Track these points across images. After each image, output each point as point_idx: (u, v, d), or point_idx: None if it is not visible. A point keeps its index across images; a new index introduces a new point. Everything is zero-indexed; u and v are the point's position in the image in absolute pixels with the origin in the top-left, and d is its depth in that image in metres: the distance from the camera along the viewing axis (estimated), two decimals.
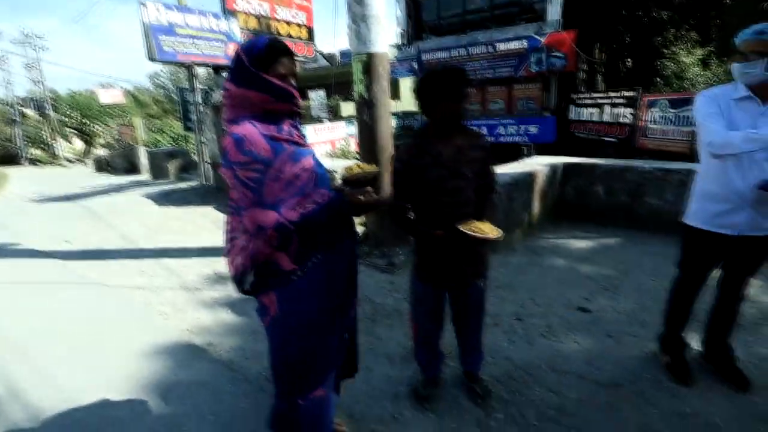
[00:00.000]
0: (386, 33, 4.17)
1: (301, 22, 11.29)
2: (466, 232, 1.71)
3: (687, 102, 9.14)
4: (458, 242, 1.79)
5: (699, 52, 12.45)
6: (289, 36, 11.00)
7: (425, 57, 14.64)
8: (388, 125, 4.36)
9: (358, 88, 4.24)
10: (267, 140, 1.43)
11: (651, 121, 10.00)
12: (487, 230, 1.74)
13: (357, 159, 7.96)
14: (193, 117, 10.42)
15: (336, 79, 15.74)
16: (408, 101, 20.01)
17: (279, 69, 1.46)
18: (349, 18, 4.06)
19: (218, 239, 5.71)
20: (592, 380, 2.48)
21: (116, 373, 2.79)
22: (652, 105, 10.05)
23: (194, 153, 12.56)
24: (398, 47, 16.11)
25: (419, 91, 1.86)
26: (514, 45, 12.93)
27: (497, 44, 13.23)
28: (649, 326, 2.96)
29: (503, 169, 4.90)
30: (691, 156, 8.57)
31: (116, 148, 21.11)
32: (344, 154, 11.33)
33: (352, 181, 1.63)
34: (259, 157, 1.40)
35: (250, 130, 1.42)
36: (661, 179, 4.77)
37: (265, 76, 1.44)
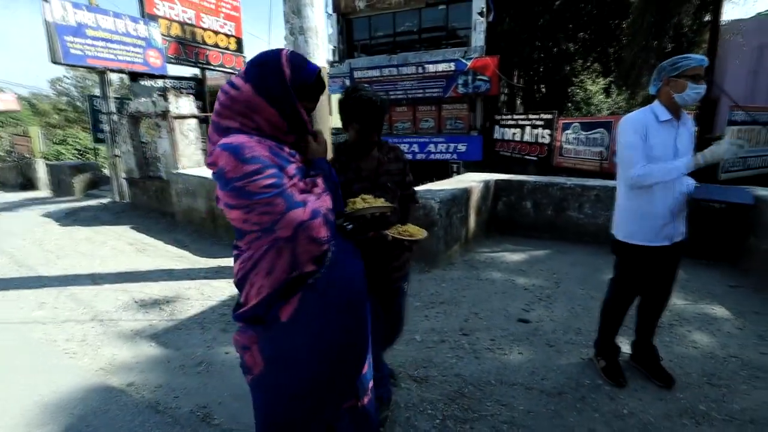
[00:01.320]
0: (324, 46, 4.11)
1: (229, 32, 10.90)
2: (396, 236, 1.84)
3: (595, 125, 10.12)
4: (387, 247, 1.91)
5: (602, 82, 13.94)
6: (216, 46, 10.55)
7: (357, 74, 14.81)
8: (328, 141, 4.27)
9: None
10: (267, 149, 1.23)
11: (566, 142, 10.92)
12: (415, 232, 1.89)
13: None
14: (106, 127, 9.51)
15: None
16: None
17: (310, 103, 1.34)
18: (286, 30, 3.94)
19: (139, 263, 5.19)
20: (538, 390, 2.54)
21: (12, 430, 2.34)
22: (566, 127, 10.99)
23: (106, 167, 11.43)
24: (331, 64, 16.16)
25: (339, 110, 1.94)
26: (442, 67, 13.53)
27: (427, 65, 13.76)
28: (584, 333, 3.13)
29: (442, 186, 5.02)
30: (602, 173, 9.47)
31: (8, 160, 18.62)
32: None
33: (356, 218, 1.64)
34: (267, 161, 1.20)
35: (243, 138, 1.21)
36: (580, 194, 5.17)
37: (298, 104, 1.28)
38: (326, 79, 4.11)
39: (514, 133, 12.66)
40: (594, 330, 2.78)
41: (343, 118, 1.91)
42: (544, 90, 16.01)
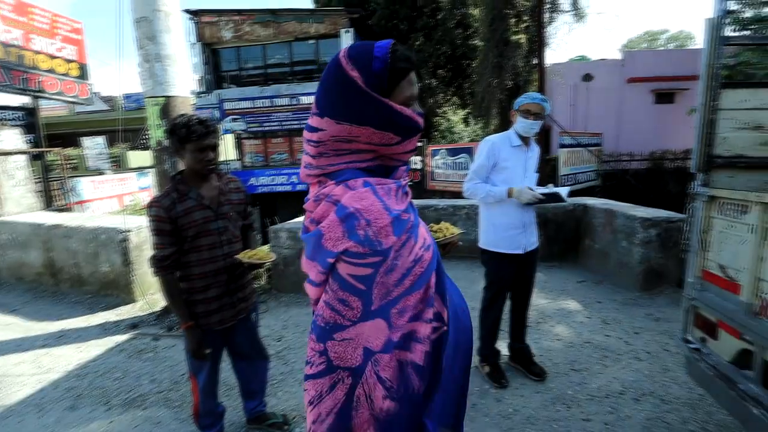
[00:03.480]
0: (186, 75, 3.85)
1: (69, 57, 9.60)
2: (246, 261, 1.93)
3: (459, 151, 11.24)
4: (236, 273, 2.02)
5: (461, 113, 15.64)
6: (52, 71, 9.19)
7: (227, 105, 14.24)
8: None
9: (156, 133, 3.74)
10: (389, 214, 0.89)
11: (436, 167, 11.88)
12: (263, 255, 1.99)
13: None
14: None
15: (120, 125, 13.76)
16: None
17: (406, 91, 0.94)
18: (140, 57, 3.60)
19: None
20: None
21: None
22: (435, 153, 11.98)
23: None
24: (197, 94, 15.28)
25: (169, 138, 1.91)
26: None
27: (300, 97, 13.86)
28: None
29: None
30: None
31: None
32: (136, 211, 9.80)
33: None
34: (381, 247, 0.87)
35: (372, 200, 0.88)
36: (453, 213, 5.62)
37: (390, 102, 0.91)
38: (188, 110, 3.85)
39: None
40: (476, 338, 2.98)
41: (176, 145, 1.88)
42: None
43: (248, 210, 2.22)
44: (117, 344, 3.60)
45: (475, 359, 3.02)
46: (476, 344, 2.97)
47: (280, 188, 14.54)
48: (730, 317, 1.94)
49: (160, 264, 1.90)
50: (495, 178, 2.65)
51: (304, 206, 1.00)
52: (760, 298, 1.80)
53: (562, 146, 9.74)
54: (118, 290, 4.57)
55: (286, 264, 4.43)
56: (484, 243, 2.77)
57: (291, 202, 12.45)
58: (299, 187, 14.30)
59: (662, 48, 35.27)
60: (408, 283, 0.90)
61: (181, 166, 2.01)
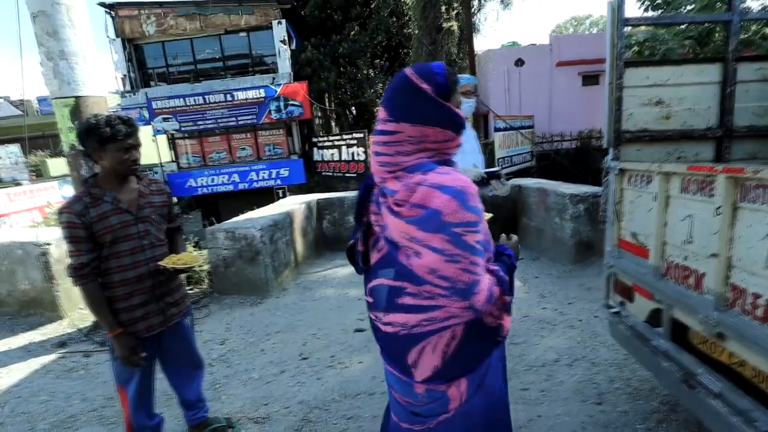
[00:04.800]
0: (99, 73, 3.54)
1: None
2: (170, 266, 1.88)
3: None
4: (161, 278, 1.95)
5: None
6: None
7: (157, 105, 13.41)
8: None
9: (67, 137, 3.44)
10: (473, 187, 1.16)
11: None
12: (189, 260, 1.95)
13: None
14: None
15: (35, 131, 12.59)
16: (145, 154, 17.81)
17: (457, 98, 1.24)
18: (41, 55, 3.27)
19: None
20: (380, 393, 2.62)
21: None
22: None
23: None
24: (122, 94, 14.22)
25: (82, 140, 1.82)
26: (252, 94, 13.29)
27: (235, 93, 13.32)
28: None
29: (262, 213, 4.85)
30: None
31: None
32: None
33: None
34: (480, 212, 1.13)
35: (464, 179, 1.12)
36: None
37: (451, 106, 1.20)
38: (103, 111, 3.57)
39: (332, 154, 13.21)
40: None
41: (95, 147, 1.78)
42: (354, 112, 17.23)
43: (173, 212, 2.14)
44: (43, 365, 3.33)
45: None
46: None
47: (221, 188, 13.97)
48: (642, 280, 2.11)
49: (77, 272, 1.79)
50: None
51: (393, 198, 1.15)
52: (665, 260, 1.97)
53: (497, 130, 10.10)
54: (41, 308, 4.20)
55: (227, 265, 4.27)
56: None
57: (233, 202, 12.00)
58: (241, 186, 13.83)
59: (587, 32, 37.41)
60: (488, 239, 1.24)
61: (97, 169, 1.88)
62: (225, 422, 2.34)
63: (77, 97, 3.29)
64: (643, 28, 5.44)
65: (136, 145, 1.87)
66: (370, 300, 1.30)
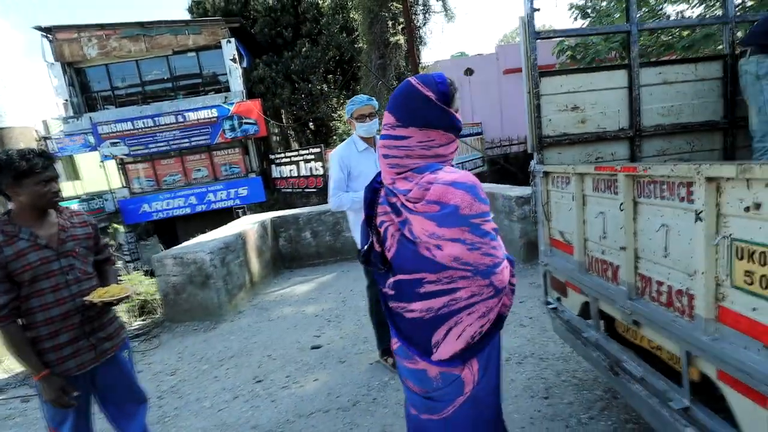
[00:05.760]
0: (27, 102, 3.40)
1: None
2: (97, 300, 1.81)
3: None
4: (90, 314, 1.88)
5: None
6: None
7: (103, 129, 12.91)
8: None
9: None
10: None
11: (330, 178, 11.93)
12: (116, 291, 1.89)
13: None
14: None
15: None
16: (93, 181, 17.04)
17: (456, 104, 1.34)
18: None
19: None
20: (335, 409, 2.61)
21: None
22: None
23: None
24: (65, 120, 13.57)
25: None
26: (204, 114, 13.06)
27: (186, 114, 13.04)
28: (370, 341, 3.39)
29: (213, 236, 4.75)
30: None
31: None
32: None
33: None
34: (488, 203, 1.24)
35: (472, 175, 1.25)
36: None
37: (452, 111, 1.30)
38: (30, 142, 3.41)
39: (290, 170, 13.13)
40: (375, 335, 3.05)
41: (8, 182, 1.71)
42: (312, 127, 17.20)
43: (100, 243, 2.08)
44: None
45: (377, 354, 3.10)
46: (374, 341, 3.05)
47: (178, 212, 13.56)
48: (571, 276, 2.22)
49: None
50: (353, 185, 2.75)
51: (406, 196, 1.25)
52: (587, 255, 2.09)
53: None
54: None
55: (177, 292, 4.14)
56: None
57: (192, 225, 11.65)
58: (199, 209, 13.48)
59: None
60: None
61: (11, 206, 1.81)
62: None
63: (0, 129, 3.13)
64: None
65: (55, 177, 1.81)
66: (392, 293, 1.38)
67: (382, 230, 1.36)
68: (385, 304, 1.44)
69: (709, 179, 1.25)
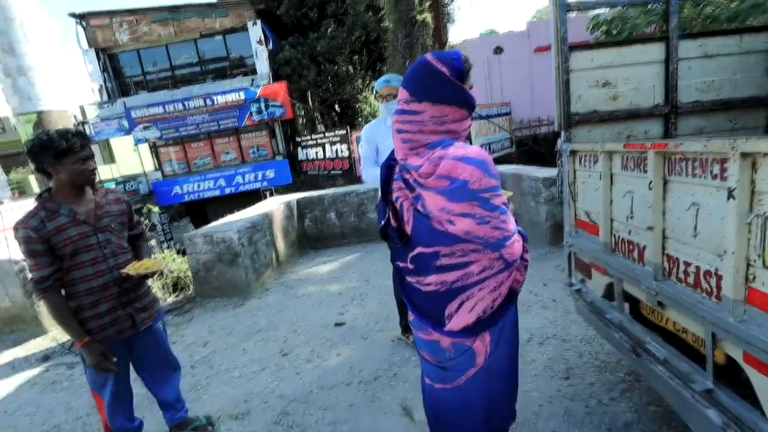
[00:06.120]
0: (63, 86, 3.55)
1: None
2: (133, 273, 1.92)
3: None
4: (127, 285, 2.00)
5: None
6: None
7: (136, 114, 13.31)
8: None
9: None
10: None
11: (361, 153, 11.94)
12: (150, 265, 2.00)
13: None
14: None
15: (14, 147, 12.45)
16: (128, 164, 17.67)
17: (470, 81, 1.35)
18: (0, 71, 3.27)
19: None
20: (357, 382, 2.69)
21: None
22: (359, 140, 12.00)
23: None
24: (100, 105, 14.06)
25: (35, 156, 1.84)
26: (231, 97, 13.23)
27: (215, 97, 13.25)
28: (392, 319, 3.44)
29: (240, 216, 4.88)
30: None
31: None
32: None
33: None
34: (500, 179, 1.24)
35: (482, 150, 1.25)
36: (374, 197, 5.71)
37: (465, 87, 1.31)
38: (68, 125, 3.57)
39: (316, 152, 13.22)
40: (398, 312, 3.09)
41: (50, 161, 1.81)
42: (338, 109, 17.19)
43: (134, 219, 2.18)
44: (27, 380, 3.36)
45: (398, 332, 3.15)
46: (396, 319, 3.09)
47: (208, 194, 13.93)
48: (596, 257, 2.18)
49: (40, 286, 1.83)
50: (381, 159, 2.74)
51: (417, 172, 1.26)
52: (613, 236, 2.04)
53: (472, 119, 10.16)
54: (24, 324, 4.22)
55: (207, 269, 4.30)
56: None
57: (221, 207, 11.98)
58: (228, 191, 13.80)
59: (573, 16, 37.52)
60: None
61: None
62: (205, 420, 2.39)
63: (39, 112, 3.30)
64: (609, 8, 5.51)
65: (91, 156, 1.91)
66: (411, 267, 1.40)
67: (398, 205, 1.37)
68: (401, 278, 1.46)
69: (744, 155, 1.19)
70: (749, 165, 1.19)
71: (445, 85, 1.28)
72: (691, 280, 1.52)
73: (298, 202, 5.76)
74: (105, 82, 13.97)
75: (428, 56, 1.32)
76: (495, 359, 1.41)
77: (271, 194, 12.36)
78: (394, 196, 1.38)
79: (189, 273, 4.69)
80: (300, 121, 16.38)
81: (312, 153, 13.47)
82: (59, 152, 1.80)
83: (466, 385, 1.41)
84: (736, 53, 2.42)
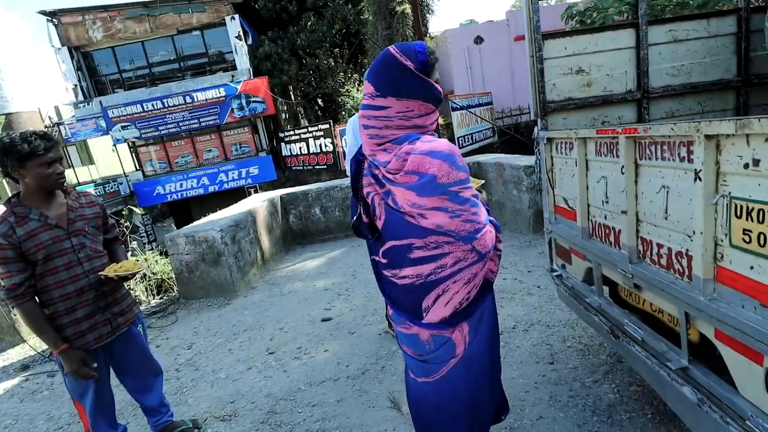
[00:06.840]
0: (35, 87, 3.44)
1: None
2: (112, 275, 1.89)
3: None
4: (104, 289, 1.97)
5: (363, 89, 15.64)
6: None
7: (113, 113, 13.01)
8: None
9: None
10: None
11: (346, 147, 11.89)
12: (130, 266, 1.97)
13: None
14: None
15: None
16: (107, 165, 17.29)
17: (436, 74, 1.32)
18: None
19: None
20: (345, 377, 2.69)
21: None
22: (343, 133, 11.93)
23: None
24: (75, 105, 13.69)
25: (2, 160, 1.77)
26: (212, 94, 13.02)
27: (195, 94, 13.02)
28: (379, 312, 3.46)
29: (222, 214, 4.82)
30: None
31: None
32: None
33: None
34: (469, 171, 1.24)
35: (449, 143, 1.23)
36: None
37: (431, 81, 1.28)
38: (38, 126, 3.47)
39: (300, 147, 13.12)
40: (385, 306, 3.10)
41: (14, 165, 1.74)
42: (321, 103, 17.05)
43: (108, 222, 2.14)
44: (6, 390, 3.29)
45: (385, 325, 3.16)
46: (382, 313, 3.10)
47: (191, 193, 13.74)
48: (575, 242, 2.21)
49: (11, 294, 1.78)
50: None
51: (386, 168, 1.24)
52: (590, 221, 2.07)
53: (454, 110, 10.19)
54: (1, 334, 4.12)
55: (190, 270, 4.25)
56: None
57: (206, 206, 11.83)
58: (211, 189, 13.63)
59: (545, 5, 37.63)
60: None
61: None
62: (191, 424, 2.37)
63: (8, 114, 3.18)
64: None
65: (58, 159, 1.85)
66: (384, 261, 1.39)
67: (369, 200, 1.36)
68: (377, 272, 1.46)
69: (709, 137, 1.21)
70: (714, 147, 1.21)
71: (409, 79, 1.25)
72: (664, 261, 1.55)
73: (282, 198, 5.72)
74: (80, 81, 13.62)
75: (391, 49, 1.28)
76: (474, 347, 1.42)
77: (256, 191, 12.25)
78: (365, 191, 1.36)
79: (172, 274, 4.63)
80: (282, 116, 16.21)
81: (296, 148, 13.37)
82: (22, 156, 1.74)
83: (448, 375, 1.42)
84: (704, 37, 2.45)
